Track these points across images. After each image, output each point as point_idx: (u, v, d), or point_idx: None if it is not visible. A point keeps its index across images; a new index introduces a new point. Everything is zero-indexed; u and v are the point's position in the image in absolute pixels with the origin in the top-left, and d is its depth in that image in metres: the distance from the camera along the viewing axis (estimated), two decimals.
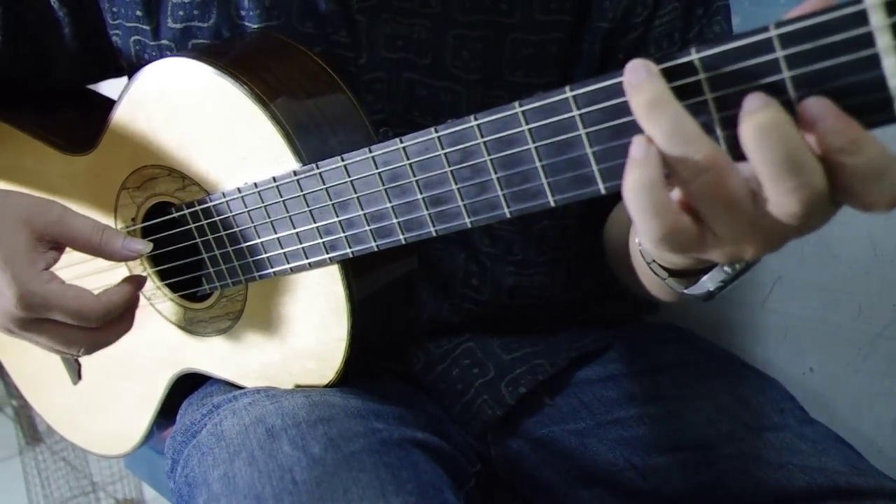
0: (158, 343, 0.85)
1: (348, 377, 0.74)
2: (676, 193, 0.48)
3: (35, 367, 0.99)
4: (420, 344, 0.84)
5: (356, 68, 0.75)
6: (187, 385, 0.86)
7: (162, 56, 0.75)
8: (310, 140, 0.66)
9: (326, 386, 0.74)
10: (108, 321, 0.72)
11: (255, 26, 0.75)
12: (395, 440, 0.67)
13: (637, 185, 0.46)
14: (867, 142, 0.41)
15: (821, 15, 0.40)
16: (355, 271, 0.69)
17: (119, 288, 0.72)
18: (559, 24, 0.75)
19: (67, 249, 0.73)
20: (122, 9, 0.80)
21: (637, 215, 0.47)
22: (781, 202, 0.43)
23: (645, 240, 0.48)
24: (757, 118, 0.42)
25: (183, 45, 0.78)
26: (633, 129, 0.47)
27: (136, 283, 0.74)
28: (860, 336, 0.96)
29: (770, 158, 0.42)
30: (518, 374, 0.83)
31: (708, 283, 0.59)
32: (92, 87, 0.97)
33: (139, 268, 0.81)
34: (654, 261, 0.61)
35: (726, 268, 0.58)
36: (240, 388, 0.80)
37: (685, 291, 0.61)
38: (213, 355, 0.81)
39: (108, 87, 0.92)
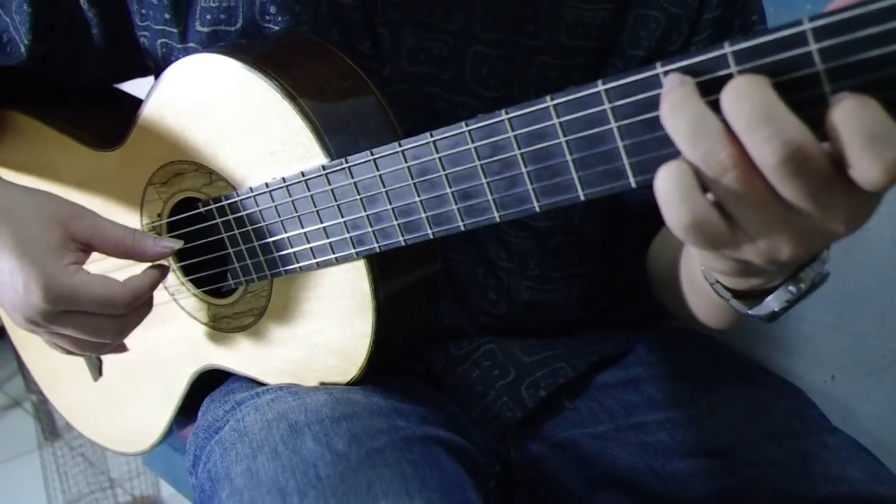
0: (181, 339, 0.86)
1: (371, 374, 0.74)
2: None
3: (55, 363, 0.99)
4: (441, 345, 0.84)
5: (379, 79, 0.75)
6: (207, 383, 0.87)
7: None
8: (338, 136, 0.67)
9: (349, 382, 0.75)
10: (136, 305, 0.73)
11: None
12: (418, 438, 0.67)
13: (666, 170, 0.46)
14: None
15: (854, 9, 0.40)
16: (381, 267, 0.69)
17: (144, 274, 0.74)
18: (584, 50, 0.76)
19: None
20: (150, 11, 0.81)
21: (664, 200, 0.47)
22: (760, 156, 0.43)
23: (673, 227, 0.47)
24: (732, 81, 0.43)
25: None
26: None
27: (160, 270, 0.75)
28: (883, 344, 0.95)
29: (742, 111, 0.43)
30: (538, 377, 0.83)
31: (773, 303, 0.58)
32: (119, 85, 0.98)
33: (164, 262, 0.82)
34: (717, 281, 0.60)
35: (791, 287, 0.57)
36: (262, 384, 0.80)
37: (749, 312, 0.60)
38: (236, 352, 0.81)
39: (135, 87, 0.93)
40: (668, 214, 0.47)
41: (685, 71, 0.46)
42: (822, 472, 0.71)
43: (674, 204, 0.46)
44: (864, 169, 0.41)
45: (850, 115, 0.41)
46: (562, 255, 0.83)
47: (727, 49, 0.44)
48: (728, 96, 0.43)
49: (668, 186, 0.46)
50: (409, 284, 0.74)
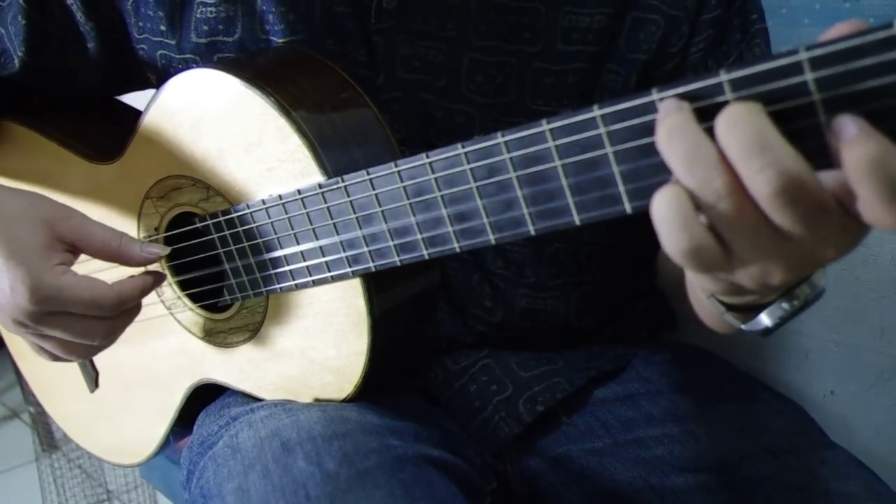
0: (177, 353, 0.85)
1: (366, 391, 0.74)
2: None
3: (52, 374, 0.99)
4: (438, 360, 0.84)
5: (374, 88, 0.75)
6: (205, 395, 0.86)
7: (188, 68, 0.76)
8: (335, 153, 0.67)
9: (344, 400, 0.74)
10: (122, 309, 0.72)
11: (280, 41, 0.76)
12: (409, 457, 0.67)
13: (664, 196, 0.46)
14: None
15: (851, 39, 0.40)
16: (377, 285, 0.69)
17: (134, 279, 0.73)
18: (580, 55, 0.75)
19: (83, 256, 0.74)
20: (147, 23, 0.81)
21: (662, 227, 0.46)
22: (754, 185, 0.43)
23: (671, 253, 0.47)
24: (727, 108, 0.43)
25: (208, 59, 0.79)
26: None
27: (154, 277, 0.75)
28: (882, 359, 0.95)
29: (736, 140, 0.43)
30: (536, 393, 0.83)
31: (765, 319, 0.58)
32: (119, 97, 0.98)
33: (160, 270, 0.81)
34: (712, 295, 0.60)
35: (784, 304, 0.57)
36: (258, 400, 0.80)
37: (743, 328, 0.60)
38: (232, 366, 0.81)
39: (136, 98, 0.93)
40: (667, 241, 0.47)
41: (681, 97, 0.45)
42: (820, 487, 0.71)
43: (673, 231, 0.46)
44: (879, 217, 0.41)
45: (871, 162, 0.40)
46: (559, 262, 0.83)
47: (723, 77, 0.44)
48: (722, 124, 0.43)
49: (667, 214, 0.46)
50: (405, 301, 0.73)
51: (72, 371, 0.96)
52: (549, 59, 0.75)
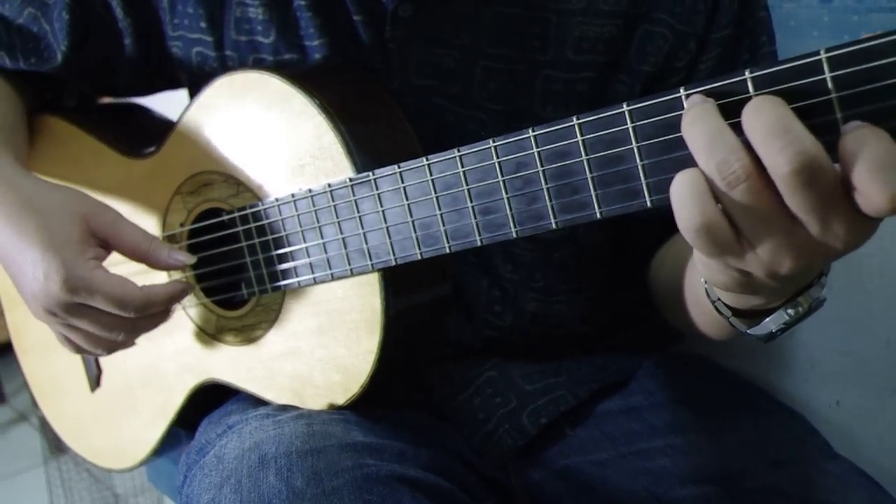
0: (185, 351, 0.86)
1: (370, 398, 0.75)
2: None
3: (54, 373, 1.00)
4: (442, 372, 0.85)
5: (389, 93, 0.77)
6: (207, 401, 0.87)
7: (224, 65, 0.79)
8: (367, 155, 0.69)
9: (349, 400, 0.75)
10: (146, 313, 0.74)
11: (311, 44, 0.79)
12: (381, 477, 0.67)
13: (682, 175, 0.48)
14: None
15: (868, 41, 0.43)
16: (394, 285, 0.70)
17: (164, 286, 0.75)
18: (590, 64, 0.77)
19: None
20: (184, 20, 0.83)
21: (677, 203, 0.49)
22: (774, 165, 0.45)
23: (684, 230, 0.49)
24: (752, 100, 0.46)
25: (245, 57, 0.82)
26: (684, 143, 0.49)
27: (183, 287, 0.76)
28: (888, 369, 0.95)
29: (760, 124, 0.45)
30: (540, 405, 0.83)
31: (770, 324, 0.60)
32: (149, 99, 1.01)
33: (186, 280, 0.83)
34: (718, 299, 0.62)
35: (789, 310, 0.59)
36: (262, 404, 0.81)
37: (748, 332, 0.62)
38: (240, 366, 0.82)
39: (165, 104, 0.96)
40: (681, 216, 0.49)
41: (706, 94, 0.48)
42: (824, 499, 0.72)
43: (687, 206, 0.48)
44: (870, 196, 0.43)
45: (862, 143, 0.43)
46: (566, 267, 0.84)
47: (747, 75, 0.47)
48: (748, 112, 0.46)
49: (683, 190, 0.48)
50: (418, 304, 0.75)
51: (73, 371, 0.96)
52: (559, 68, 0.77)
